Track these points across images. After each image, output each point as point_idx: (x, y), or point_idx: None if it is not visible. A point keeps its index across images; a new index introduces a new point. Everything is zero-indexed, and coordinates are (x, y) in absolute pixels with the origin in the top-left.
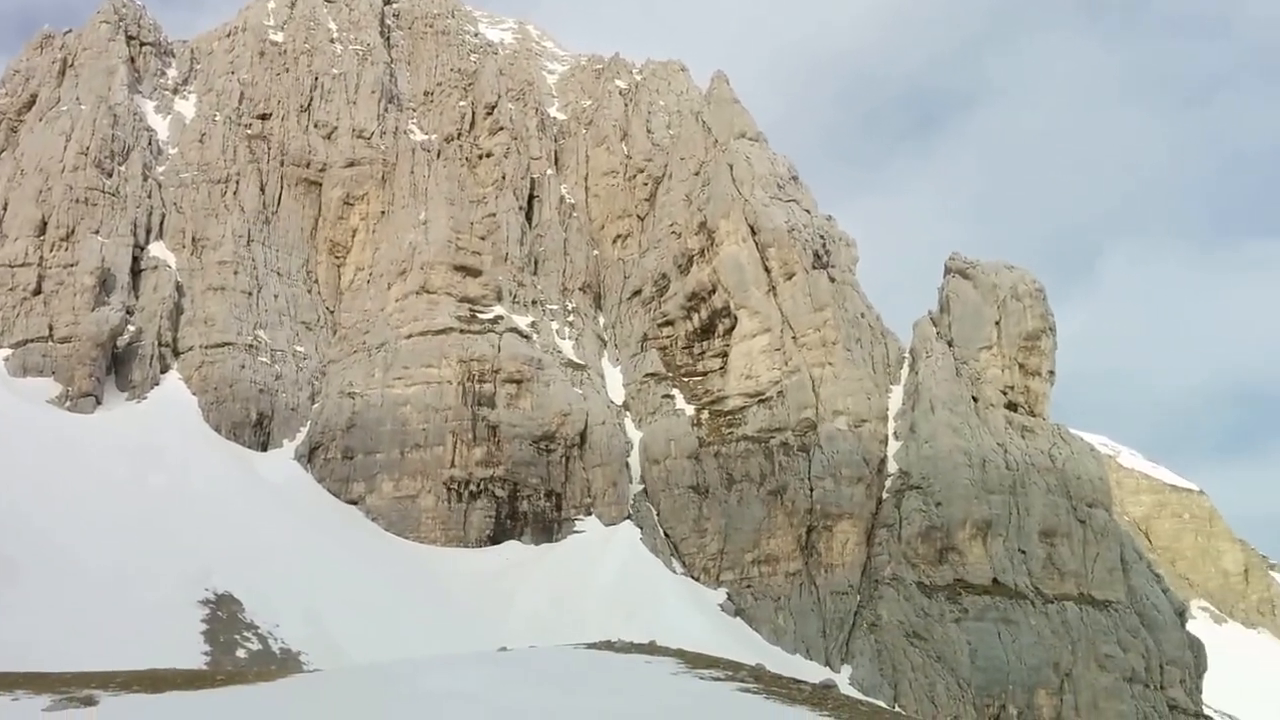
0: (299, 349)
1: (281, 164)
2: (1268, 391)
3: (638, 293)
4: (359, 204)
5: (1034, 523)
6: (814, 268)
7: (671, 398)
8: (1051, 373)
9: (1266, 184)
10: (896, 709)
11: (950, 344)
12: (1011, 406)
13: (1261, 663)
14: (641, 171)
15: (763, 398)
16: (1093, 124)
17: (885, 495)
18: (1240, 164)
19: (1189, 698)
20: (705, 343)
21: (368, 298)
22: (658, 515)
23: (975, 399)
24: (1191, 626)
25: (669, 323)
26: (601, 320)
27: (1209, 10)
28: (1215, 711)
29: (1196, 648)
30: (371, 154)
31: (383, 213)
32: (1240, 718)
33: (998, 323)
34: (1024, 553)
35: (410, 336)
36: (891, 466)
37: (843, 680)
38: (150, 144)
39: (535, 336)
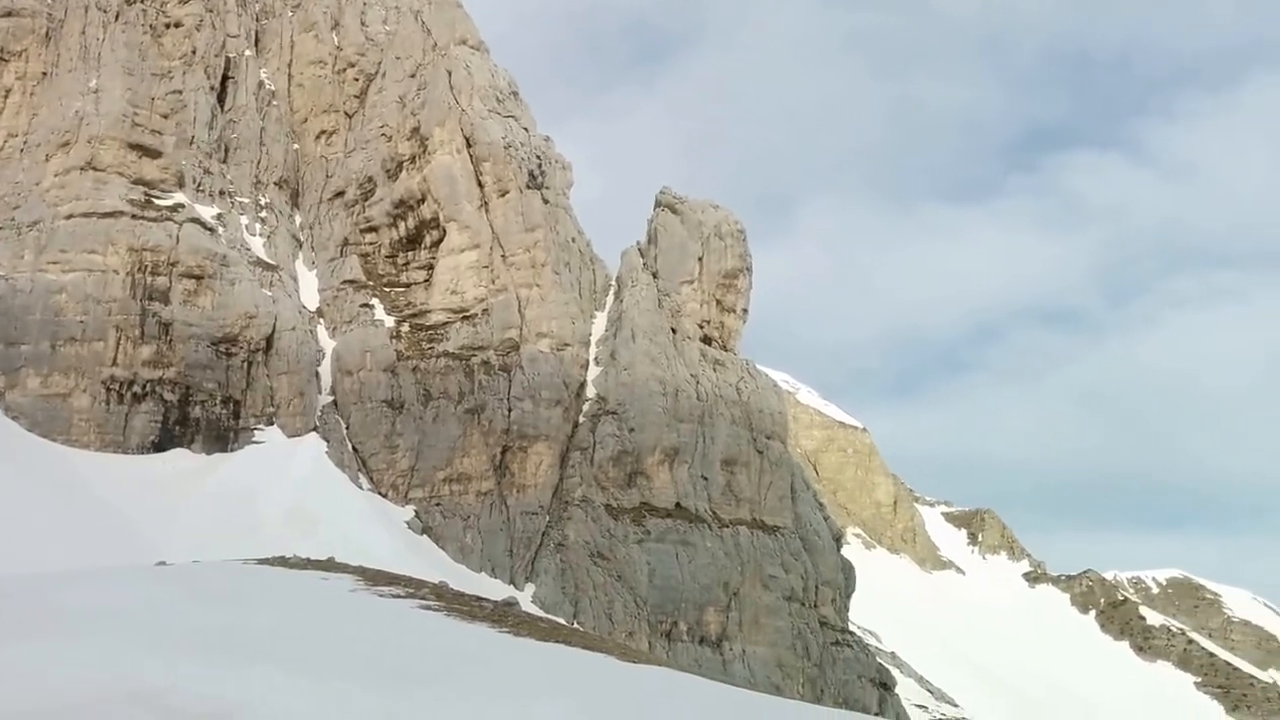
0: None
1: None
2: (928, 342)
3: (340, 194)
4: (15, 61)
5: (718, 451)
6: (528, 187)
7: (370, 307)
8: (745, 310)
9: (944, 154)
10: (575, 625)
11: (655, 275)
12: (706, 340)
13: (900, 585)
14: (353, 66)
15: (467, 315)
16: (807, 78)
17: (582, 419)
18: (925, 132)
19: (837, 615)
20: (410, 253)
21: (20, 169)
22: (347, 429)
23: (674, 330)
24: (845, 551)
25: (373, 229)
26: (298, 219)
27: None
28: (858, 627)
29: (848, 570)
30: (34, 5)
31: (44, 74)
32: (878, 632)
33: (700, 259)
34: (706, 479)
35: (71, 217)
36: (590, 391)
37: (525, 598)
38: None
39: (221, 230)
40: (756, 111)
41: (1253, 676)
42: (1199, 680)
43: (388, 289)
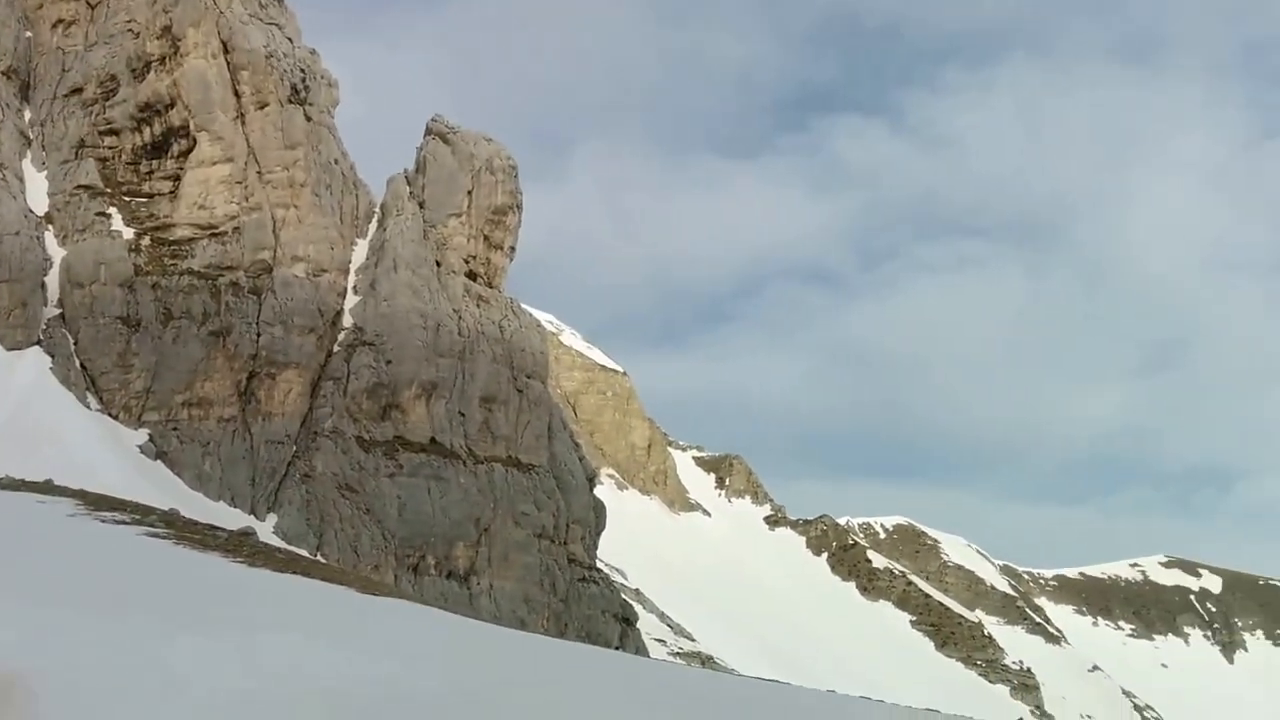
0: None
1: None
2: (692, 293)
3: (78, 91)
4: None
5: (477, 388)
6: (290, 102)
7: (107, 216)
8: (513, 248)
9: (720, 107)
10: (318, 558)
11: (422, 206)
12: (472, 276)
13: (650, 525)
14: None
15: (216, 232)
16: (590, 16)
17: (336, 349)
18: (703, 84)
19: (586, 553)
20: (155, 162)
21: None
22: (75, 345)
23: (439, 264)
24: (599, 491)
25: (114, 132)
26: (28, 115)
27: None
28: (606, 565)
29: (599, 509)
30: None
31: None
32: (625, 570)
33: (470, 192)
34: (464, 415)
35: None
36: (347, 320)
37: (267, 529)
38: None
39: None
40: (537, 47)
41: (961, 616)
42: (914, 619)
43: (128, 198)
